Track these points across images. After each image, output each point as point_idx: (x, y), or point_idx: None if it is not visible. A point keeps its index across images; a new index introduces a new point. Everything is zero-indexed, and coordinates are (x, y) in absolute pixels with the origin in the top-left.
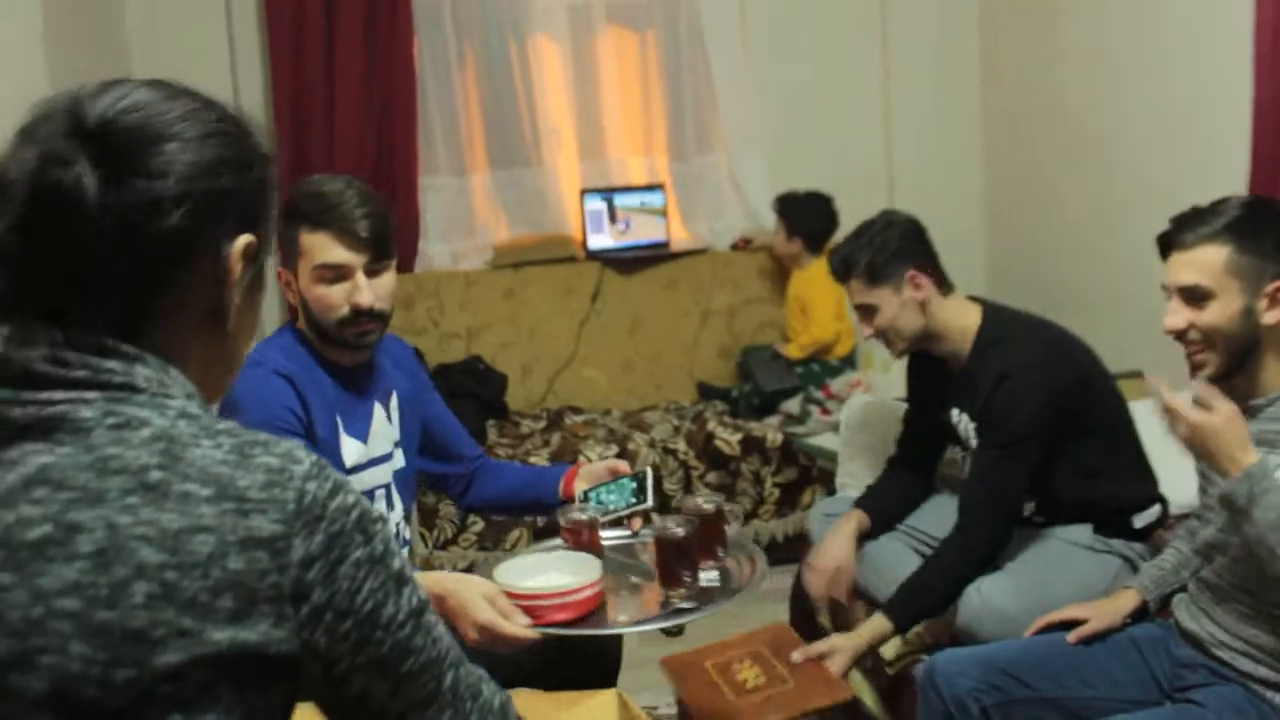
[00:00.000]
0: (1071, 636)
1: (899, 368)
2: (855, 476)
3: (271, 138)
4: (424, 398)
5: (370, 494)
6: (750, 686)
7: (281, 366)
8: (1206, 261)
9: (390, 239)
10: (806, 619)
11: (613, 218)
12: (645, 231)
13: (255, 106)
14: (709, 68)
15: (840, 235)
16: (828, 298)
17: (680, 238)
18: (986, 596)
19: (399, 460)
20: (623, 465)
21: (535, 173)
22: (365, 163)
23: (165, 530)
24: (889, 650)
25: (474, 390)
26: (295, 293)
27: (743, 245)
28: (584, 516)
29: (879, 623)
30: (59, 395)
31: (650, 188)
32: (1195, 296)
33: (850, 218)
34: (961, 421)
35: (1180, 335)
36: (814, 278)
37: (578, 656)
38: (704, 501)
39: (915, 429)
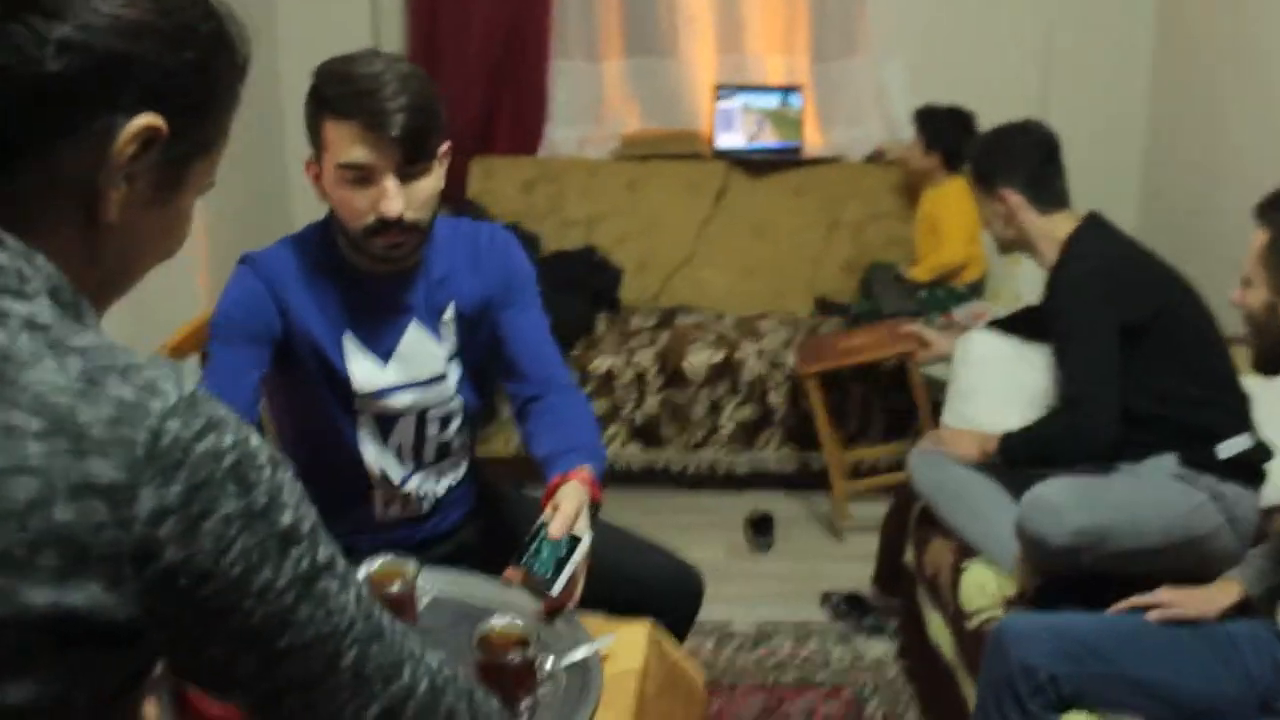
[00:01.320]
0: (1152, 615)
1: (1030, 300)
2: (963, 419)
3: (247, 33)
4: (505, 299)
5: (411, 418)
6: None
7: (268, 265)
8: (1254, 242)
9: (432, 137)
10: (895, 552)
11: (745, 117)
12: (778, 134)
13: None
14: None
15: None
16: (960, 219)
17: (815, 144)
18: (1035, 491)
19: (452, 379)
20: (566, 523)
21: (670, 64)
22: (494, 42)
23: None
24: (971, 602)
25: (586, 280)
26: (322, 190)
27: (877, 157)
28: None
29: (986, 438)
30: None
31: (787, 89)
32: (1244, 278)
33: None
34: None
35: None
36: (947, 197)
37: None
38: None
39: None
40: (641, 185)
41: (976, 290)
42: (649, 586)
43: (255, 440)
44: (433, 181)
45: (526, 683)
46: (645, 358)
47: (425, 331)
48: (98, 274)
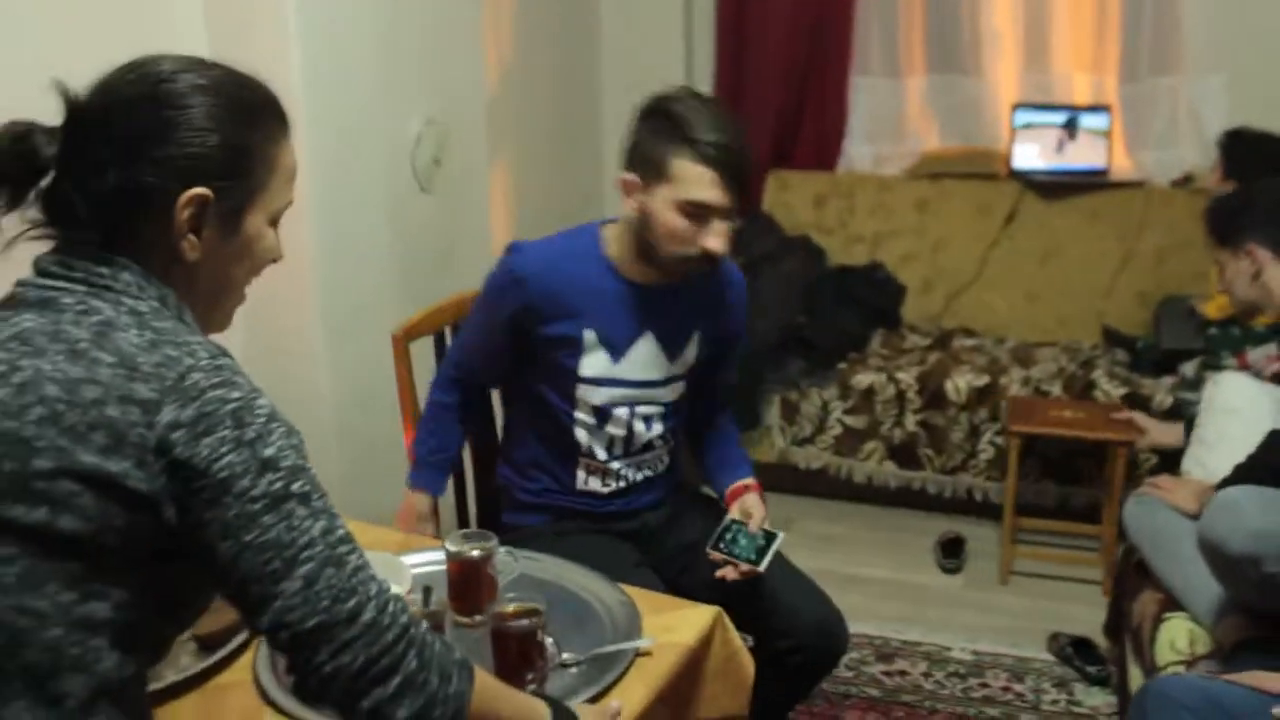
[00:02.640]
0: None
1: None
2: (1205, 469)
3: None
4: (733, 346)
5: (610, 411)
6: None
7: (528, 256)
8: None
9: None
10: (1122, 601)
11: (1047, 137)
12: (1082, 155)
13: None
14: None
15: None
16: None
17: (1121, 166)
18: (1222, 494)
19: (670, 393)
20: (760, 522)
21: (972, 81)
22: (796, 57)
23: (69, 377)
24: (1162, 657)
25: (867, 297)
26: (637, 205)
27: (1184, 182)
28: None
29: (1205, 489)
30: (58, 284)
31: (1094, 108)
32: None
33: None
34: None
35: None
36: None
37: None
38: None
39: None
40: (931, 204)
41: (1277, 333)
42: (797, 623)
43: (261, 402)
44: (732, 225)
45: (531, 654)
46: (908, 377)
47: (657, 347)
48: (201, 291)
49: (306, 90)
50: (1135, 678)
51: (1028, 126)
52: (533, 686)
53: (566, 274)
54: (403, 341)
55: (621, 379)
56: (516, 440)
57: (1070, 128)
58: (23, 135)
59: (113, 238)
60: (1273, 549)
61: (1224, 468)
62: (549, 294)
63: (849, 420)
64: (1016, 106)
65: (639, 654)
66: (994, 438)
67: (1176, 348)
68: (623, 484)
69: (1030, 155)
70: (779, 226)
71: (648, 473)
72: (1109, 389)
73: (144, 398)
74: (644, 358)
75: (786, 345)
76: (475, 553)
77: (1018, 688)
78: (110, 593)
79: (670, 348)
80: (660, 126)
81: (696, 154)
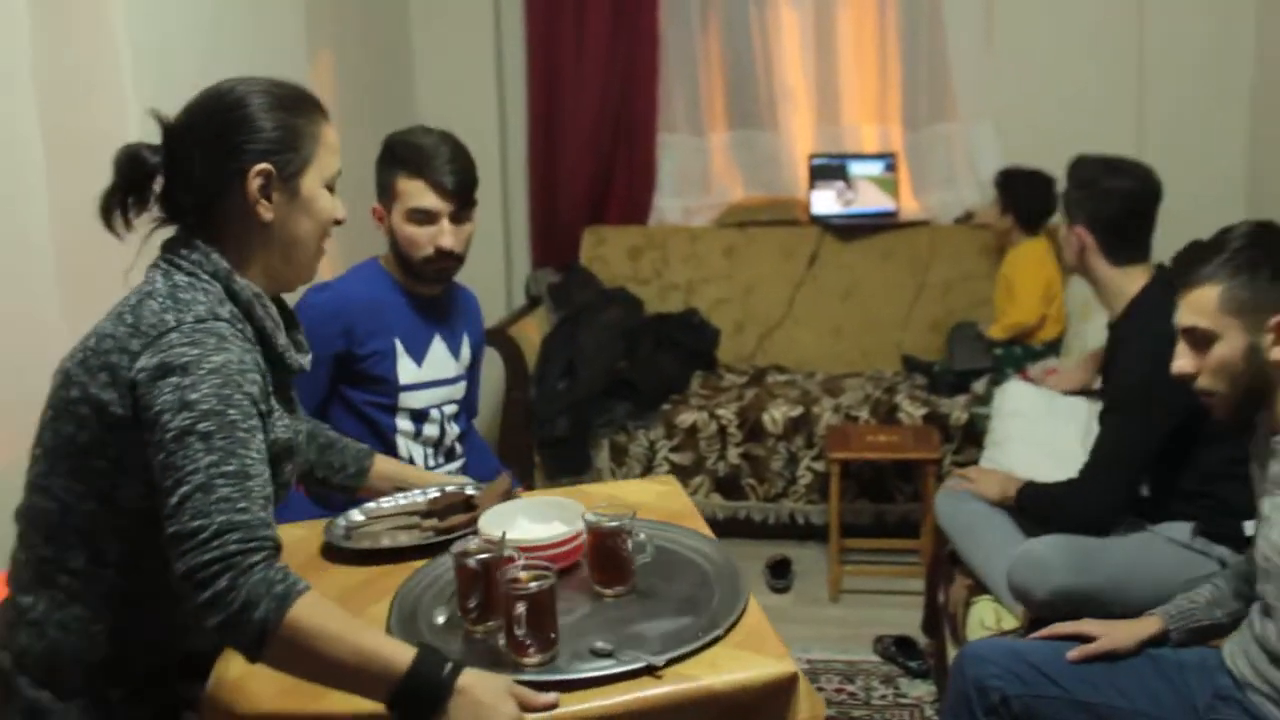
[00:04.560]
0: (1072, 654)
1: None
2: (998, 465)
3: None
4: (478, 336)
5: (429, 411)
6: None
7: (347, 292)
8: (1203, 302)
9: (474, 192)
10: (935, 594)
11: (840, 184)
12: (872, 199)
13: (516, 61)
14: (946, 33)
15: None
16: (1034, 279)
17: (909, 208)
18: (1030, 544)
19: (460, 390)
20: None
21: (770, 136)
22: (606, 117)
23: (100, 333)
24: (973, 635)
25: (685, 341)
26: (387, 228)
27: (966, 219)
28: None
29: (1012, 483)
30: (157, 264)
31: (881, 156)
32: (1198, 339)
33: None
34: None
35: (1190, 379)
36: (1022, 258)
37: None
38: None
39: None
40: (739, 250)
41: (1054, 349)
42: None
43: (215, 359)
44: (471, 226)
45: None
46: (728, 413)
47: (445, 348)
48: (277, 247)
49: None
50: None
51: (822, 175)
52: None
53: (367, 296)
54: None
55: (429, 380)
56: None
57: (860, 175)
58: (132, 151)
59: (208, 217)
60: (1074, 603)
61: (1014, 463)
62: (362, 314)
63: (675, 457)
64: (812, 157)
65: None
66: (811, 464)
67: (968, 369)
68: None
69: (827, 201)
70: (597, 279)
71: (455, 466)
72: (911, 410)
73: (132, 349)
74: (438, 357)
75: (611, 391)
76: (613, 523)
77: (849, 688)
78: (128, 486)
79: (453, 346)
80: (386, 157)
81: (412, 170)
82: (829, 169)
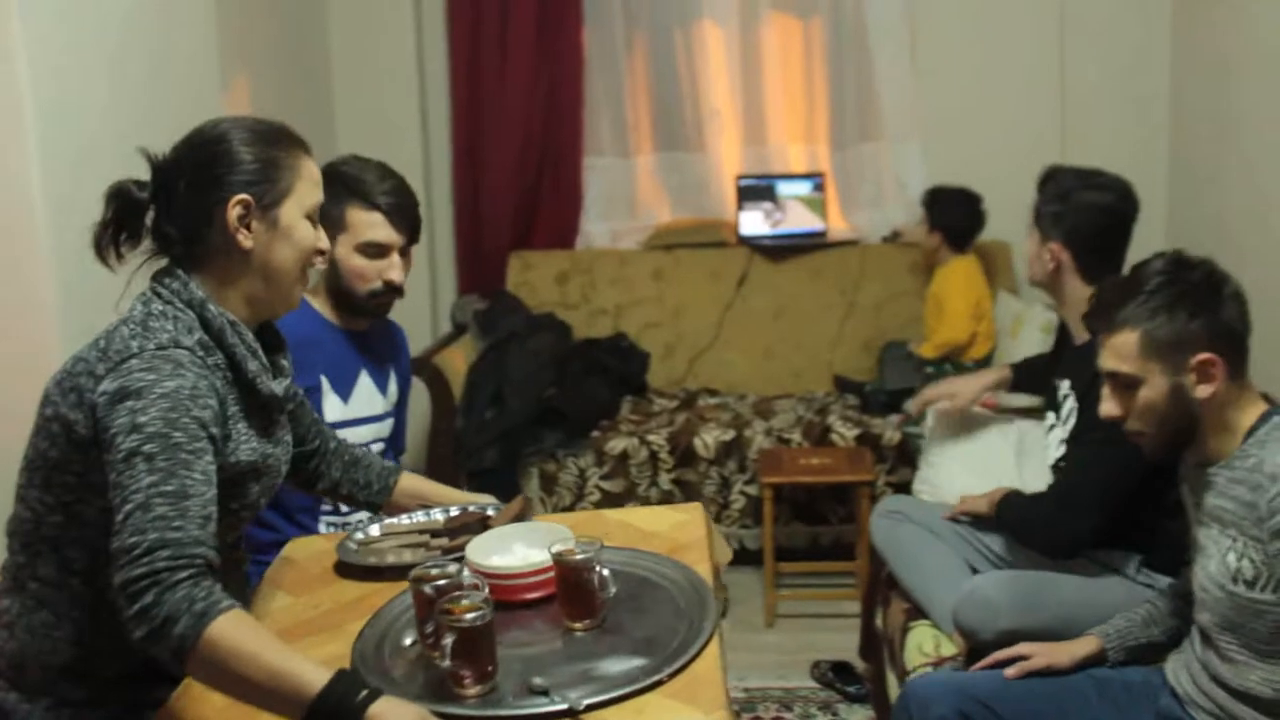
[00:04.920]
0: (1010, 671)
1: None
2: (932, 485)
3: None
4: (404, 370)
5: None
6: None
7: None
8: (1124, 347)
9: (420, 229)
10: (871, 619)
11: (768, 205)
12: (801, 220)
13: (439, 85)
14: (871, 54)
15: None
16: (963, 297)
17: (838, 227)
18: (976, 583)
19: (387, 428)
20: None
21: (696, 158)
22: (531, 141)
23: (75, 356)
24: (911, 661)
25: (614, 366)
26: (326, 259)
27: (894, 238)
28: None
29: (989, 495)
30: (145, 293)
31: (809, 176)
32: (1122, 384)
33: (1014, 217)
34: (1068, 398)
35: (1119, 421)
36: (951, 276)
37: None
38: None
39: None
40: (667, 273)
41: (985, 366)
42: None
43: (168, 385)
44: (411, 259)
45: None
46: (658, 439)
47: (372, 384)
48: (258, 274)
49: (45, 180)
50: (892, 685)
51: (749, 196)
52: (588, 620)
53: (292, 331)
54: None
55: (355, 418)
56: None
57: (788, 196)
58: (120, 187)
59: (193, 248)
60: (1022, 640)
61: (947, 483)
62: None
63: (606, 485)
64: (739, 178)
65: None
66: (744, 488)
67: (900, 388)
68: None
69: (755, 222)
70: (524, 305)
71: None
72: (844, 431)
73: (97, 373)
74: (366, 394)
75: (540, 419)
76: (580, 556)
77: (787, 716)
78: (93, 500)
79: (380, 382)
80: (333, 188)
81: (366, 203)
82: (757, 190)
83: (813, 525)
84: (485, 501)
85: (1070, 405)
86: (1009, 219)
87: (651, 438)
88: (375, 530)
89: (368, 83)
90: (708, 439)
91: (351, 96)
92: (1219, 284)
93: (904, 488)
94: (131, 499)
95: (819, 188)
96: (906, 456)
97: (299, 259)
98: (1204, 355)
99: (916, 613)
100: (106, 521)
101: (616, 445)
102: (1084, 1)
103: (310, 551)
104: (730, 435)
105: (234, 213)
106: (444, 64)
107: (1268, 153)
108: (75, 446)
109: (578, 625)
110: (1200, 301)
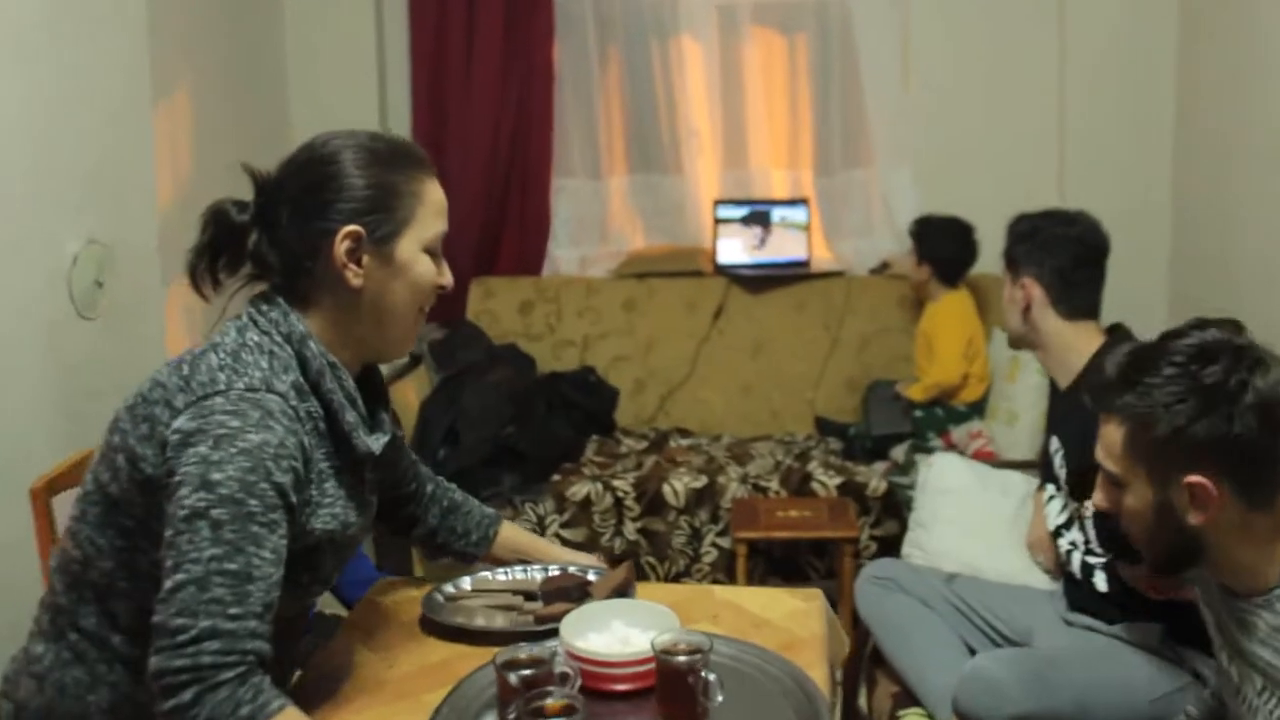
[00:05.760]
0: None
1: (1027, 421)
2: (922, 548)
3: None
4: None
5: None
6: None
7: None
8: (1110, 439)
9: None
10: (851, 694)
11: (748, 233)
12: (784, 249)
13: (400, 96)
14: (861, 74)
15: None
16: (955, 335)
17: (822, 257)
18: (978, 663)
19: None
20: None
21: (673, 180)
22: (498, 161)
23: (153, 381)
24: None
25: (580, 403)
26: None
27: (882, 269)
28: None
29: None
30: (237, 320)
31: (793, 202)
32: (1109, 479)
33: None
34: (1057, 456)
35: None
36: (942, 312)
37: None
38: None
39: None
40: (639, 304)
41: (977, 410)
42: None
43: (253, 438)
44: None
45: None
46: (624, 484)
47: None
48: (367, 315)
49: None
50: None
51: (729, 223)
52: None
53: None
54: (44, 495)
55: None
56: None
57: (770, 222)
58: (218, 208)
59: (295, 279)
60: (1009, 708)
61: (941, 545)
62: None
63: (566, 533)
64: (718, 203)
65: None
66: (716, 539)
67: (886, 433)
68: None
69: (734, 250)
70: (485, 335)
71: None
72: (825, 480)
73: (176, 405)
74: None
75: (497, 459)
76: (684, 658)
77: None
78: (150, 551)
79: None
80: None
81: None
82: (736, 216)
83: (791, 581)
84: (587, 563)
85: (1058, 463)
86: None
87: (617, 483)
88: (467, 584)
89: (325, 96)
90: (677, 486)
91: (308, 110)
92: (1238, 389)
93: (890, 543)
94: (187, 569)
95: (803, 215)
96: (893, 509)
97: (416, 299)
98: (1195, 477)
99: (907, 698)
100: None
101: (579, 490)
102: (1086, 25)
103: (399, 598)
104: (702, 482)
105: (343, 246)
106: (405, 76)
107: (1277, 187)
108: (139, 486)
109: None
110: (1206, 408)
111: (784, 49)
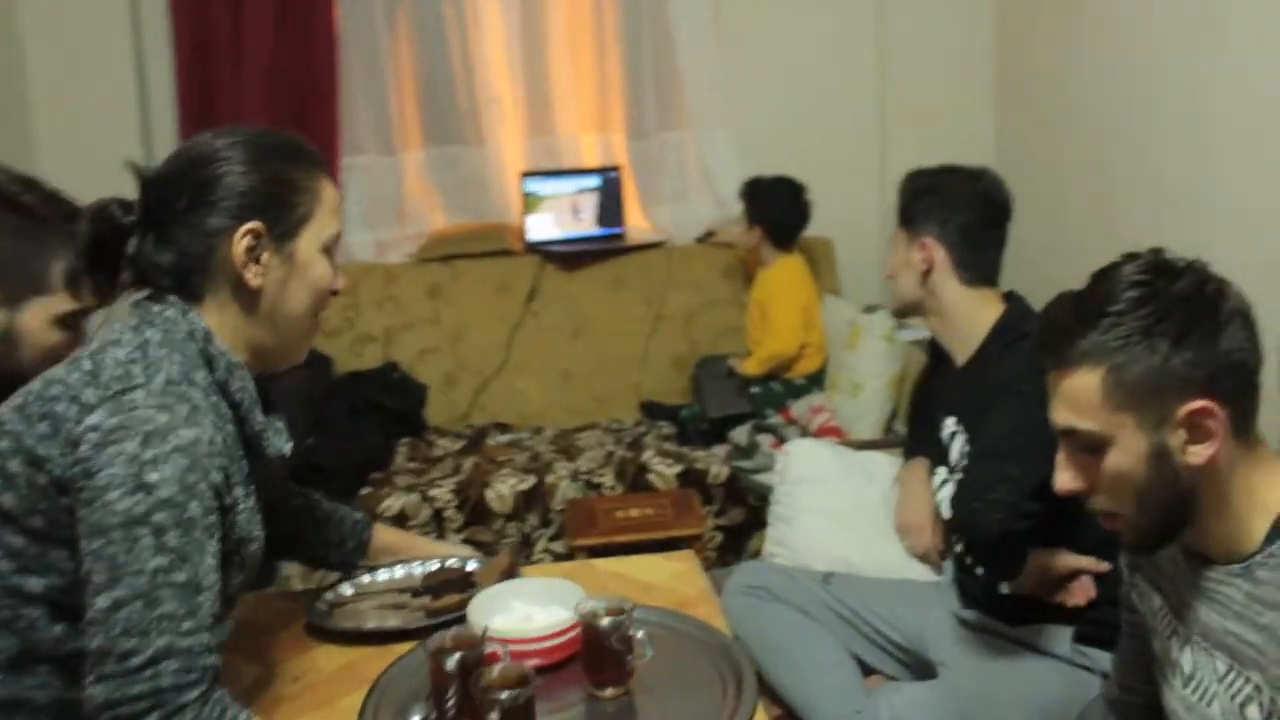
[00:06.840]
0: None
1: (871, 393)
2: (787, 546)
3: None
4: None
5: None
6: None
7: None
8: (1082, 393)
9: None
10: None
11: (559, 205)
12: (596, 221)
13: (161, 69)
14: (672, 31)
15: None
16: (791, 302)
17: (639, 227)
18: (897, 710)
19: None
20: None
21: (475, 152)
22: None
23: (48, 378)
24: None
25: (385, 403)
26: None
27: (707, 238)
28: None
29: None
30: (128, 321)
31: (604, 170)
32: (1082, 445)
33: (837, 210)
34: (956, 437)
35: (1082, 496)
36: (776, 278)
37: None
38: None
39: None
40: (444, 289)
41: (816, 382)
42: None
43: (185, 433)
44: None
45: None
46: (443, 493)
47: None
48: (265, 318)
49: None
50: None
51: (537, 196)
52: (618, 688)
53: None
54: None
55: None
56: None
57: (580, 193)
58: (103, 207)
59: (186, 281)
60: None
61: (806, 539)
62: None
63: None
64: (524, 175)
65: None
66: (550, 544)
67: (723, 415)
68: None
69: (544, 225)
70: None
71: None
72: (663, 470)
73: (85, 399)
74: None
75: (297, 476)
76: (605, 621)
77: None
78: (45, 571)
79: None
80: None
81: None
82: (545, 188)
83: None
84: (464, 555)
85: (960, 445)
86: (831, 212)
87: (434, 492)
88: (347, 590)
89: (72, 66)
90: (502, 489)
91: (51, 86)
92: (1215, 297)
93: (736, 533)
94: (129, 583)
95: (616, 183)
96: (736, 495)
97: (314, 302)
98: (1196, 403)
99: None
100: (59, 601)
101: (392, 504)
102: None
103: (274, 611)
104: (529, 483)
105: (242, 244)
106: (167, 50)
107: (1103, 133)
108: (43, 491)
109: (604, 693)
110: (1189, 323)
111: (589, 5)
